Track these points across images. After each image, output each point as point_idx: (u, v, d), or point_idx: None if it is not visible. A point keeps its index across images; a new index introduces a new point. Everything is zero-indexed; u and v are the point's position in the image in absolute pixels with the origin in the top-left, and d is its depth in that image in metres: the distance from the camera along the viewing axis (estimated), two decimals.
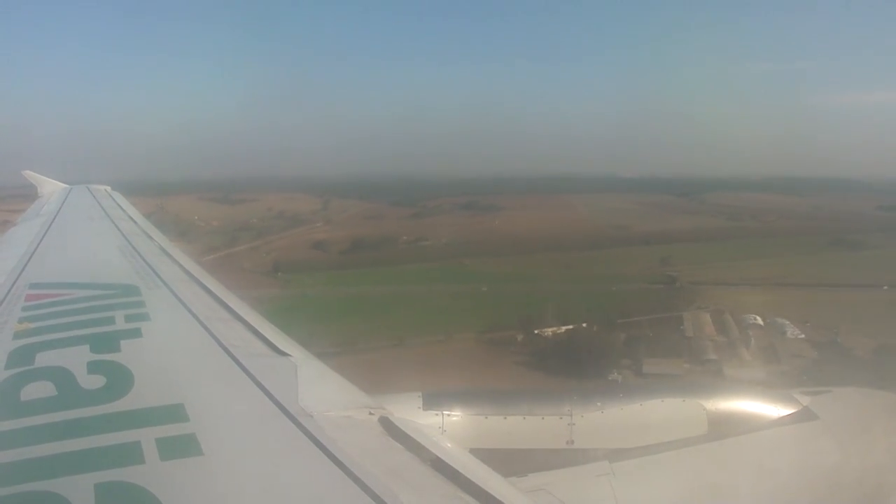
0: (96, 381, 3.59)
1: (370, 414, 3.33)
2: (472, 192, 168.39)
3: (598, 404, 4.44)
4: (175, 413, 3.16)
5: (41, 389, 3.49)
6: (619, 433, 4.38)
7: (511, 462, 4.03)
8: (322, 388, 3.65)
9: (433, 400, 4.41)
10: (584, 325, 61.21)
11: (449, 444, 3.43)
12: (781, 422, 4.54)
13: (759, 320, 62.72)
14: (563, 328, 60.83)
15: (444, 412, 4.34)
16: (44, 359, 3.94)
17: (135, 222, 10.66)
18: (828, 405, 4.67)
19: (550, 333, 60.56)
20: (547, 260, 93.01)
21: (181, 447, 2.84)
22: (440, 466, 2.85)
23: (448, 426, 4.29)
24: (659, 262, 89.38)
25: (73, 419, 3.11)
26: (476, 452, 3.57)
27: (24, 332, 4.44)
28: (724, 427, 4.45)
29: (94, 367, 3.77)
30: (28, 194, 16.87)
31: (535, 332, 60.60)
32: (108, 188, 15.91)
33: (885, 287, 76.63)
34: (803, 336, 59.54)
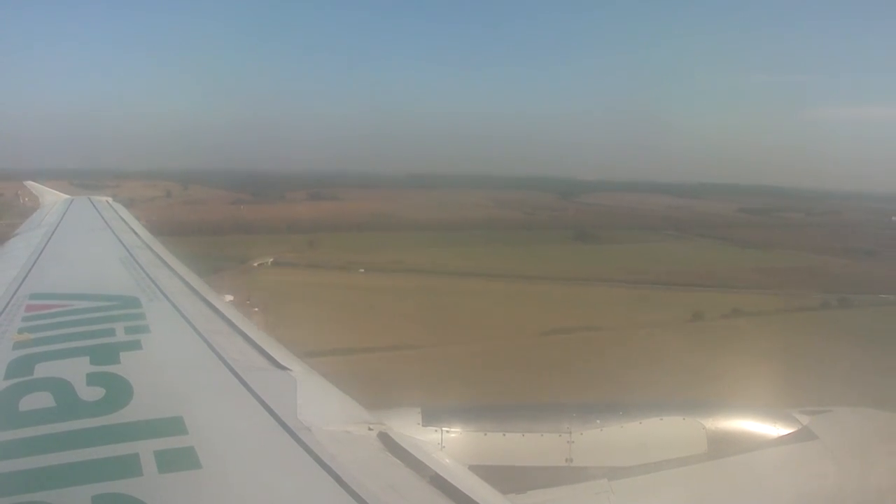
0: (95, 393, 3.58)
1: (369, 429, 3.33)
2: (351, 185, 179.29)
3: (598, 422, 4.43)
4: (174, 426, 3.15)
5: (40, 400, 3.48)
6: (618, 451, 4.36)
7: (510, 479, 4.04)
8: (321, 403, 3.65)
9: (432, 416, 4.40)
10: None
11: (448, 461, 3.41)
12: (780, 441, 4.52)
13: None
14: None
15: (444, 428, 4.33)
16: (43, 369, 3.93)
17: (136, 234, 10.71)
18: (827, 425, 4.67)
19: None
20: (229, 241, 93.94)
21: (179, 460, 2.83)
22: (439, 483, 2.84)
23: (447, 442, 4.27)
24: (308, 245, 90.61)
25: (71, 430, 3.11)
26: (475, 469, 3.59)
27: (24, 343, 4.43)
28: (724, 446, 4.44)
29: (93, 379, 3.75)
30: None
31: None
32: (110, 199, 15.99)
33: (361, 270, 76.82)
34: None
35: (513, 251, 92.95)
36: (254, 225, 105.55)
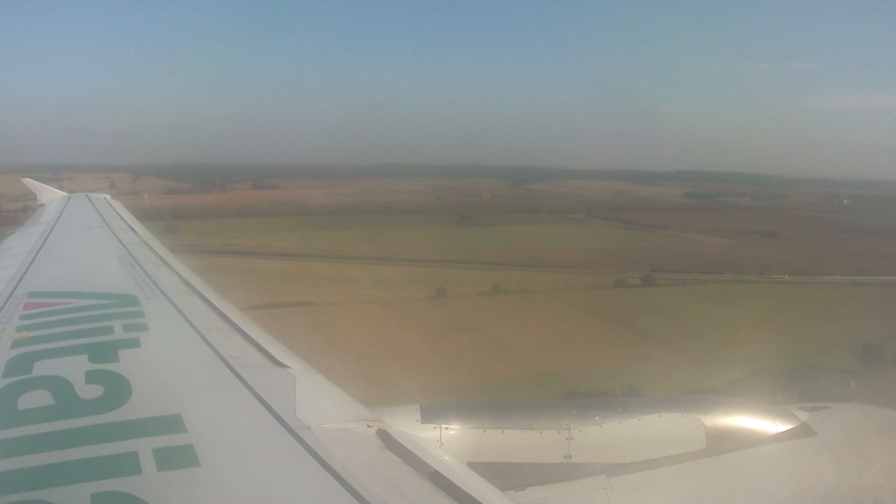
0: (94, 391, 3.56)
1: (368, 426, 3.33)
2: (309, 176, 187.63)
3: (597, 419, 4.42)
4: (173, 424, 3.14)
5: (39, 398, 3.47)
6: (617, 448, 4.35)
7: (509, 476, 4.07)
8: (320, 400, 3.64)
9: (431, 413, 4.38)
10: None
11: (447, 458, 3.41)
12: (779, 438, 4.53)
13: None
14: None
15: (443, 425, 4.30)
16: (42, 368, 3.92)
17: (134, 231, 10.71)
18: (826, 422, 4.69)
19: None
20: None
21: (178, 458, 2.82)
22: (438, 480, 2.84)
23: (446, 439, 4.25)
24: (164, 230, 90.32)
25: (70, 429, 3.10)
26: (474, 466, 3.64)
27: (23, 341, 4.41)
28: (722, 443, 4.45)
29: (92, 377, 3.74)
30: None
31: None
32: (108, 196, 16.11)
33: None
34: None
35: (370, 233, 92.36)
36: (146, 213, 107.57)
